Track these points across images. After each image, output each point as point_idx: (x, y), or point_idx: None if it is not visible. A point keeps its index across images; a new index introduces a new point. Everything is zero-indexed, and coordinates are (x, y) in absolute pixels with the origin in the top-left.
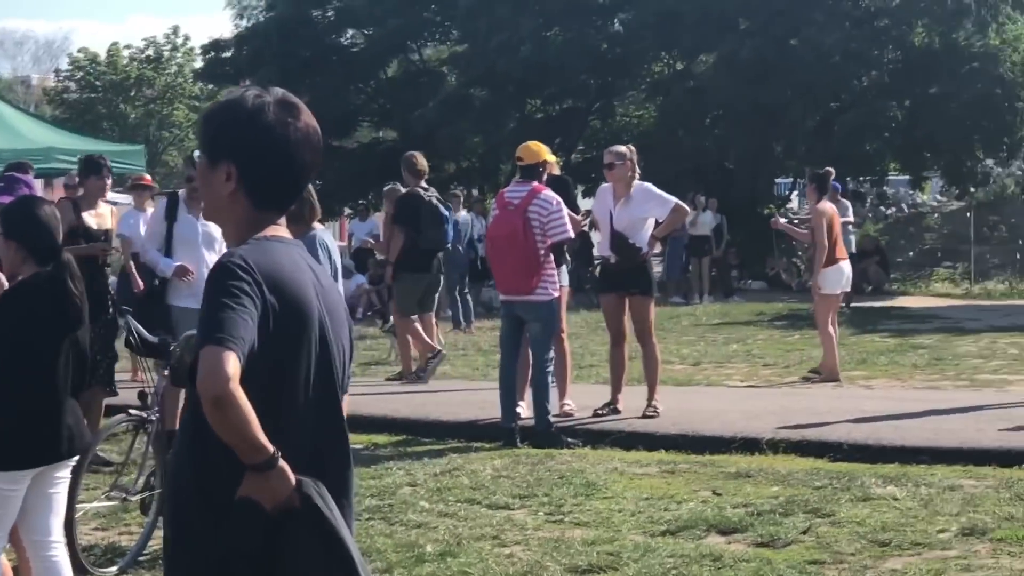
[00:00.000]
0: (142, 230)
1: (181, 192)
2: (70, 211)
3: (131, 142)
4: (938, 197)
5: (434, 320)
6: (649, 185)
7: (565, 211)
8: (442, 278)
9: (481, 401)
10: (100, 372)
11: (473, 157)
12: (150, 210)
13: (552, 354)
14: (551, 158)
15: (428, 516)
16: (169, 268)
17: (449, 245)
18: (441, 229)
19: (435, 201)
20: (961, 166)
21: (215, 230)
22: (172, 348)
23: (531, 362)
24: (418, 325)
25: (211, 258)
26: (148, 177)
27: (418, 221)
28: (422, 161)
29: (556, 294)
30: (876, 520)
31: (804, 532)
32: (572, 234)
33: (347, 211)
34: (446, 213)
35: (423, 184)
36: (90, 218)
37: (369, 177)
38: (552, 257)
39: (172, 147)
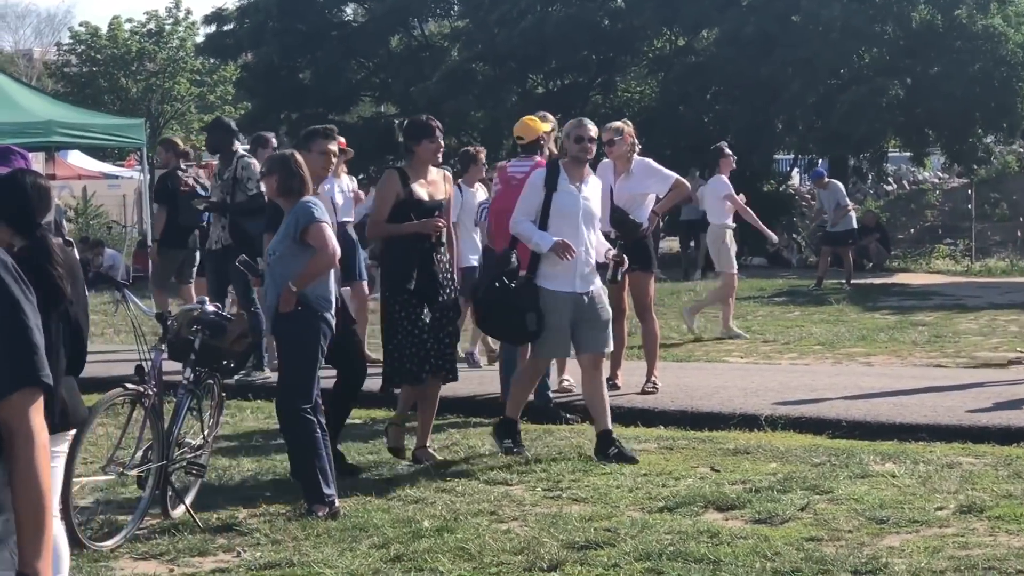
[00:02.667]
0: (338, 199)
1: (563, 160)
2: (396, 182)
3: (132, 116)
4: (939, 174)
5: (192, 290)
6: (650, 161)
7: None
8: (198, 253)
9: (480, 376)
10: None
11: (475, 132)
12: (344, 177)
13: None
14: (547, 127)
15: (425, 491)
16: (546, 243)
17: (204, 223)
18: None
19: (192, 181)
20: (962, 143)
21: (596, 205)
22: (169, 322)
23: None
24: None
25: (591, 236)
26: (343, 140)
27: (175, 200)
28: (182, 144)
29: None
30: (874, 497)
31: (802, 509)
32: None
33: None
34: (203, 193)
35: (183, 165)
36: (420, 188)
37: (370, 151)
38: None
39: (174, 121)
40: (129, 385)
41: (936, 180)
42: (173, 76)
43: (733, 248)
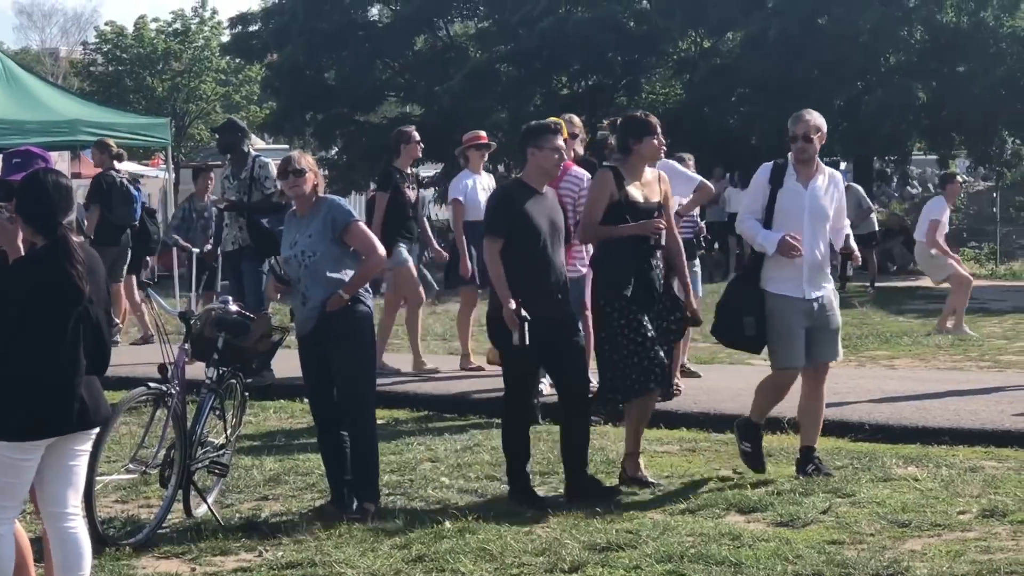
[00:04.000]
0: (481, 197)
1: (789, 155)
2: (611, 182)
3: (157, 115)
4: (964, 176)
5: (122, 289)
6: (674, 163)
7: None
8: (130, 251)
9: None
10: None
11: (499, 132)
12: (485, 175)
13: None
14: (574, 131)
15: (448, 492)
16: (770, 243)
17: (136, 222)
18: (130, 207)
19: (125, 182)
20: (988, 146)
21: (827, 204)
22: (192, 322)
23: None
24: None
25: (821, 237)
26: (484, 134)
27: (110, 199)
28: (115, 146)
29: (584, 271)
30: (896, 501)
31: (824, 512)
32: None
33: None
34: (135, 193)
35: (116, 166)
36: (635, 190)
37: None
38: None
39: (199, 120)
40: (152, 384)
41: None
42: (198, 75)
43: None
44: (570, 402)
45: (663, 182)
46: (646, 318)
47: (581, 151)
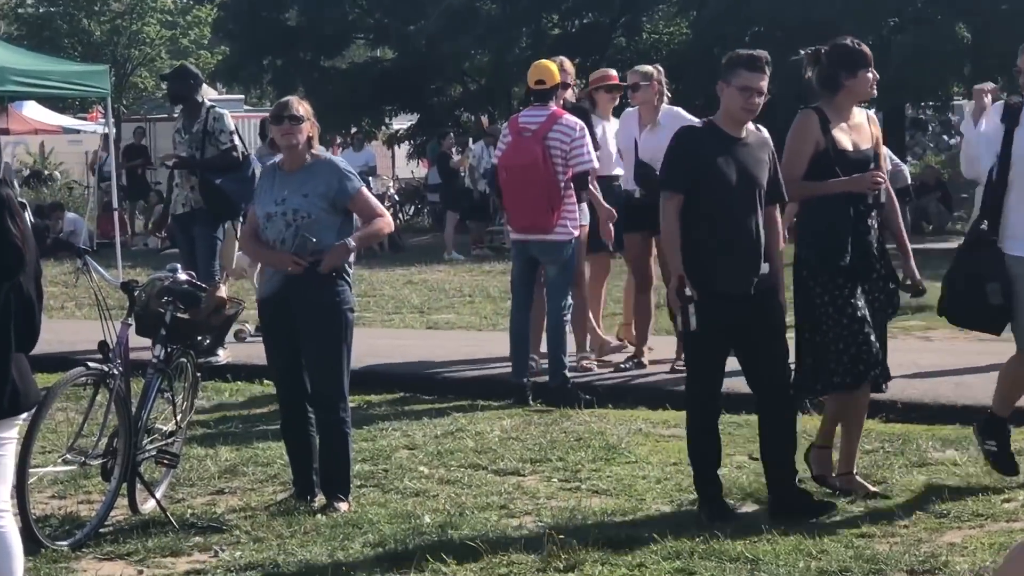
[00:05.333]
0: (611, 146)
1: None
2: (816, 127)
3: (95, 62)
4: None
5: None
6: (679, 110)
7: (588, 137)
8: None
9: (489, 354)
10: None
11: (481, 78)
12: (615, 121)
13: (570, 301)
14: (567, 79)
15: (427, 483)
16: None
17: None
18: None
19: None
20: None
21: None
22: (136, 293)
23: (547, 309)
24: None
25: None
26: (614, 73)
27: None
28: None
29: (577, 232)
30: (933, 488)
31: (851, 502)
32: (597, 164)
33: (339, 140)
34: None
35: None
36: (843, 136)
37: (363, 101)
38: (573, 190)
39: (142, 67)
40: (92, 364)
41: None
42: (141, 17)
43: None
44: (767, 398)
45: (873, 124)
46: (859, 291)
47: (572, 98)
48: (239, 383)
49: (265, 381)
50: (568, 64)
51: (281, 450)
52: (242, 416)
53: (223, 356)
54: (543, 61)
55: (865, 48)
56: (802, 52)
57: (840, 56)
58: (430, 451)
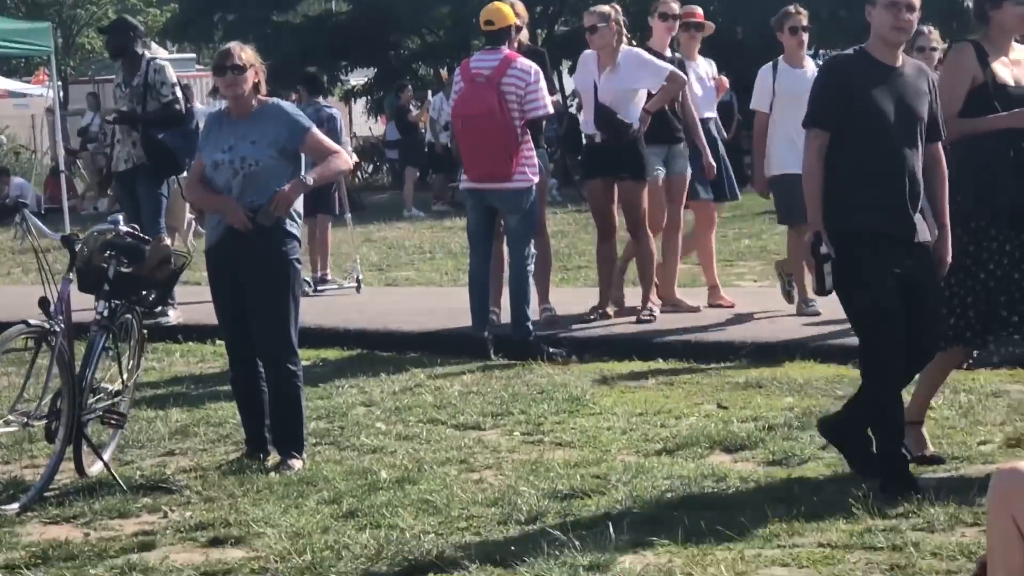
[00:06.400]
0: (696, 88)
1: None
2: (972, 60)
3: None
4: None
5: None
6: (639, 51)
7: (543, 82)
8: None
9: (449, 308)
10: None
11: (440, 29)
12: (701, 61)
13: (532, 250)
14: (519, 20)
15: (385, 439)
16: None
17: None
18: None
19: None
20: None
21: None
22: (78, 248)
23: (508, 260)
24: None
25: None
26: (698, 10)
27: None
28: None
29: (536, 179)
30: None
31: (823, 448)
32: (551, 109)
33: (293, 97)
34: None
35: None
36: (1003, 68)
37: (318, 56)
38: (530, 136)
39: (89, 28)
40: (32, 321)
41: None
42: None
43: None
44: (915, 361)
45: None
46: (1008, 247)
47: (526, 39)
48: (190, 344)
49: (218, 341)
50: (520, 6)
51: (233, 410)
52: (193, 377)
53: (173, 317)
54: (494, 3)
55: None
56: None
57: None
58: (388, 407)
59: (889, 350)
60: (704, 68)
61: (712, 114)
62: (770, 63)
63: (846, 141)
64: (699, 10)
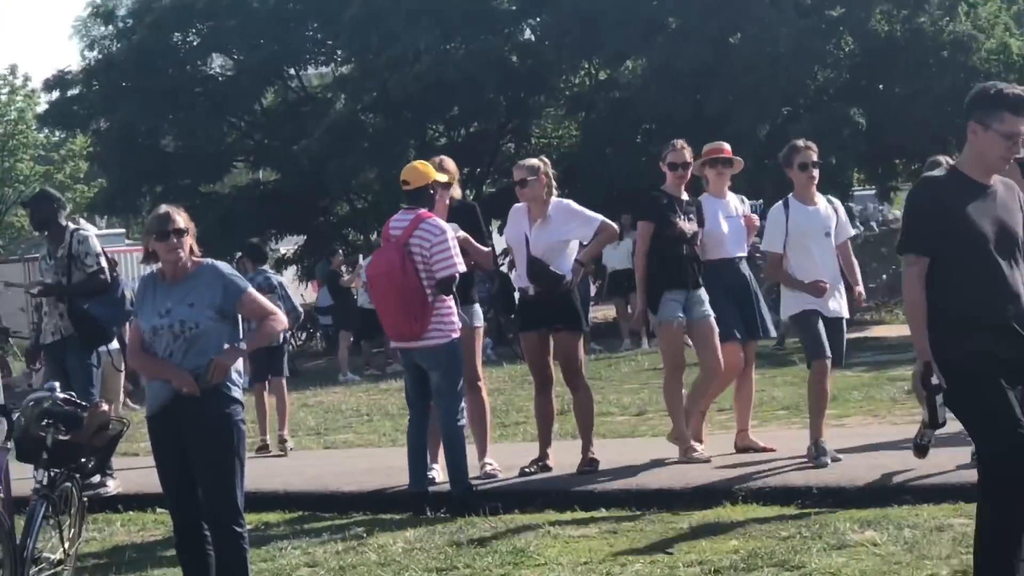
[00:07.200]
0: (723, 226)
1: None
2: None
3: None
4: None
5: None
6: (569, 202)
7: (452, 240)
8: None
9: (388, 468)
10: None
11: (368, 195)
12: (731, 196)
13: (463, 405)
14: (442, 177)
15: None
16: None
17: None
18: None
19: None
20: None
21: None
22: (16, 417)
23: (440, 417)
24: None
25: None
26: (725, 147)
27: None
28: None
29: (454, 335)
30: (853, 569)
31: None
32: (462, 268)
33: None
34: None
35: None
36: None
37: (246, 225)
38: (443, 295)
39: (16, 206)
40: None
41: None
42: (13, 154)
43: None
44: None
45: None
46: None
47: (458, 194)
48: (131, 513)
49: (159, 509)
50: (449, 163)
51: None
52: (135, 545)
53: (112, 487)
54: (412, 163)
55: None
56: None
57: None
58: (332, 567)
59: (1008, 496)
60: (734, 204)
61: (742, 253)
62: (781, 202)
63: (945, 265)
64: (726, 146)
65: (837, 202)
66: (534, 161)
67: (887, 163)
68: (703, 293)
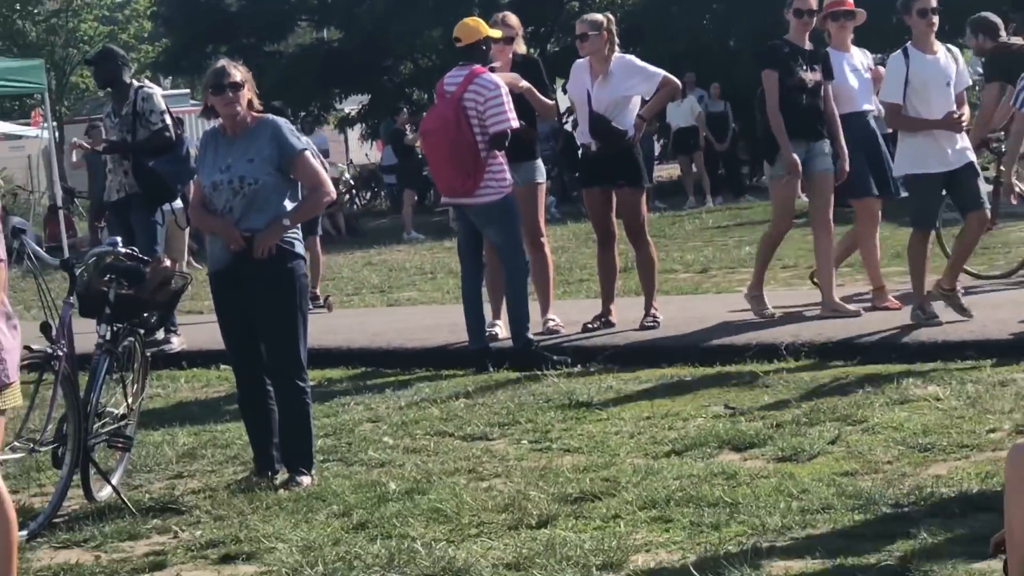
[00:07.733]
0: (851, 80)
1: None
2: None
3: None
4: (979, 70)
5: None
6: (631, 57)
7: (506, 96)
8: None
9: (451, 324)
10: None
11: (432, 54)
12: (856, 51)
13: (526, 260)
14: (495, 33)
15: (392, 453)
16: None
17: None
18: None
19: None
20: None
21: None
22: (79, 272)
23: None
24: None
25: None
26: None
27: None
28: None
29: (507, 190)
30: (915, 423)
31: (832, 442)
32: (515, 123)
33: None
34: None
35: None
36: None
37: (311, 84)
38: (496, 150)
39: (81, 67)
40: (34, 347)
41: (976, 78)
42: (77, 15)
43: None
44: None
45: None
46: None
47: (522, 49)
48: (195, 369)
49: (222, 366)
50: (512, 18)
51: (240, 431)
52: (199, 400)
53: (176, 343)
54: (464, 20)
55: None
56: None
57: None
58: (394, 422)
59: None
60: (859, 58)
61: (870, 106)
62: (900, 50)
63: None
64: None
65: (956, 51)
66: (597, 16)
67: (955, 18)
68: (825, 145)
